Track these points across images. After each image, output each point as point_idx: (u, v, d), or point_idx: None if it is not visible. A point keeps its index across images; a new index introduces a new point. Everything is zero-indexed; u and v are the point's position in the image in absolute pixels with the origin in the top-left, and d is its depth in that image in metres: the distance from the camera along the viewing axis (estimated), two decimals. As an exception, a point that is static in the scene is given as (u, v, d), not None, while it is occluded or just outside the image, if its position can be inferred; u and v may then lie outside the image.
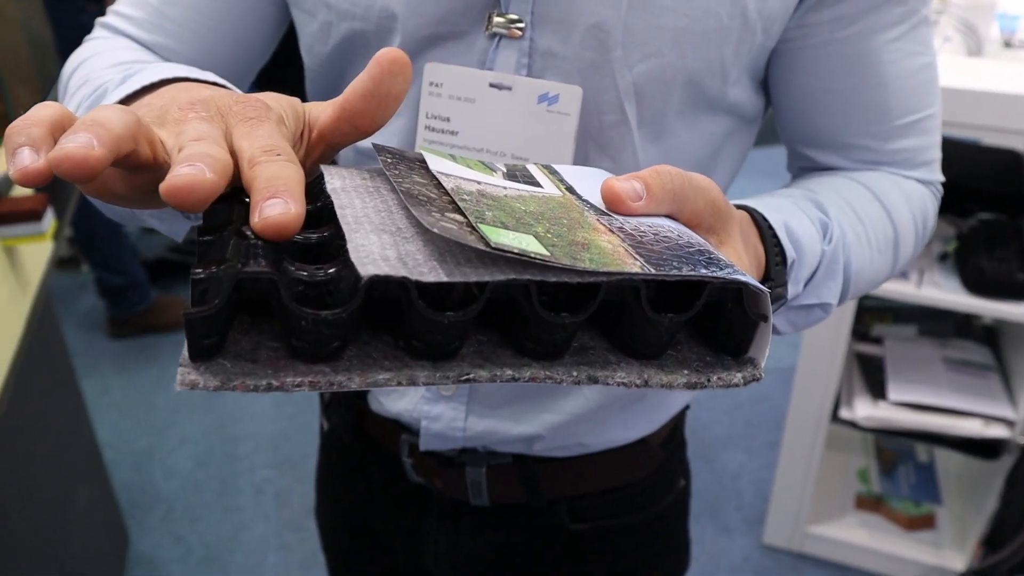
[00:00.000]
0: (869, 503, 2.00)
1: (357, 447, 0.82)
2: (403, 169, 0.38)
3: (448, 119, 0.58)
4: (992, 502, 1.74)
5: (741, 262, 0.44)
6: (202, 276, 0.30)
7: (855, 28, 0.59)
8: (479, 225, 0.33)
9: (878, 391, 1.77)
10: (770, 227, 0.51)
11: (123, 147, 0.31)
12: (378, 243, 0.32)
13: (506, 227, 0.33)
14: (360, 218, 0.34)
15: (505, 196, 0.38)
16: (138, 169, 0.34)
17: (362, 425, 0.80)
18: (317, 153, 0.40)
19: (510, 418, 0.71)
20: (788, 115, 0.65)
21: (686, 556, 0.90)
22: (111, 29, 0.66)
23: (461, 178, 0.38)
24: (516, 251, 0.31)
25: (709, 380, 0.36)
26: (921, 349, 1.87)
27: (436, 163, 0.39)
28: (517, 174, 0.42)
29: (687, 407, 0.82)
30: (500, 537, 0.79)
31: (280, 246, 0.32)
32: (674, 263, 0.34)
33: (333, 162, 0.44)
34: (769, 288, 0.50)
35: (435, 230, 0.31)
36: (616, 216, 0.39)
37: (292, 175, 0.31)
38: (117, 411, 2.47)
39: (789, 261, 0.52)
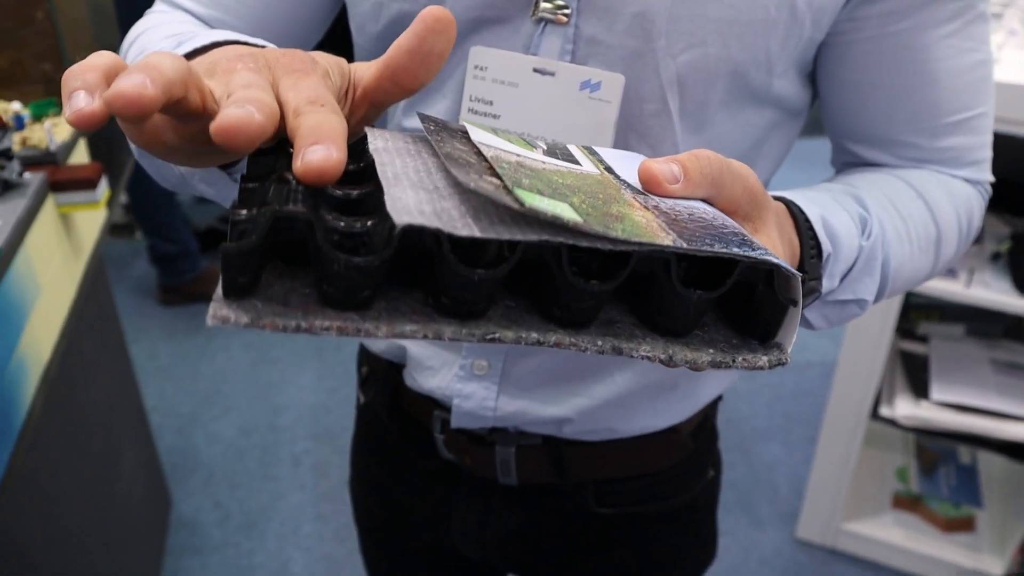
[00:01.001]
0: (907, 502, 1.98)
1: (391, 422, 0.83)
2: (445, 136, 0.39)
3: (491, 102, 0.59)
4: (1034, 508, 1.71)
5: (775, 251, 0.44)
6: (242, 217, 0.31)
7: (907, 23, 0.58)
8: (515, 189, 0.33)
9: (921, 390, 1.74)
10: (806, 220, 0.51)
11: (175, 91, 0.32)
12: (414, 198, 0.32)
13: (542, 194, 0.34)
14: (399, 175, 0.34)
15: (543, 169, 0.38)
16: (188, 117, 0.35)
17: (397, 400, 0.81)
18: (361, 112, 0.41)
19: (541, 400, 0.72)
20: (835, 109, 0.64)
21: (713, 547, 0.90)
22: (171, 3, 0.67)
23: (501, 149, 0.39)
24: (550, 215, 0.31)
25: (734, 360, 0.36)
26: (968, 349, 1.84)
27: (477, 134, 0.40)
28: (557, 152, 0.43)
29: (719, 398, 0.82)
30: (527, 517, 0.80)
31: (319, 194, 0.32)
32: (707, 240, 0.35)
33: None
34: (803, 281, 0.50)
35: (471, 186, 0.31)
36: (652, 196, 0.40)
37: (335, 124, 0.32)
38: (164, 376, 2.53)
39: (824, 255, 0.51)
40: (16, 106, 1.33)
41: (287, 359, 2.60)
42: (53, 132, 1.26)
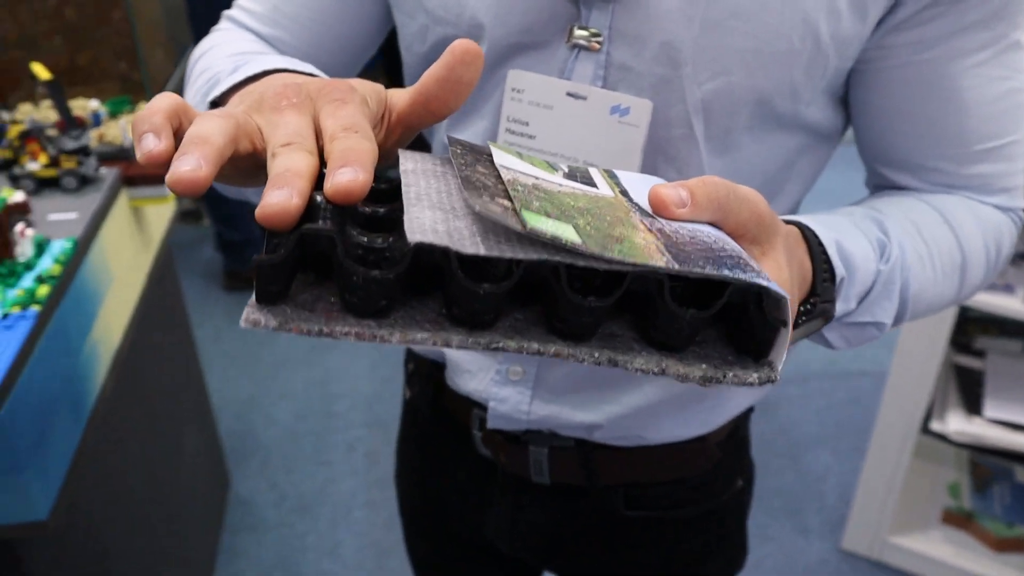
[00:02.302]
0: (957, 519, 1.95)
1: (433, 418, 0.87)
2: (469, 159, 0.42)
3: (527, 123, 0.62)
4: (1088, 530, 1.67)
5: (781, 273, 0.45)
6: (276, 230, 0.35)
7: (936, 52, 0.59)
8: (522, 211, 0.36)
9: (974, 406, 1.72)
10: (819, 243, 0.52)
11: (225, 154, 0.36)
12: (431, 217, 0.36)
13: (548, 215, 0.37)
14: (421, 196, 0.38)
15: (559, 192, 0.41)
16: (240, 159, 0.39)
17: (439, 397, 0.85)
18: (397, 134, 0.45)
19: (572, 405, 0.75)
20: (864, 133, 0.66)
21: (742, 556, 0.91)
22: (234, 22, 0.72)
23: (520, 172, 0.42)
24: (548, 236, 0.34)
25: (725, 376, 0.38)
26: (1026, 366, 1.80)
27: (501, 158, 0.43)
28: (577, 175, 0.45)
29: (751, 409, 0.84)
30: (557, 515, 0.83)
31: (347, 212, 0.36)
32: (700, 262, 0.37)
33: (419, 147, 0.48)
34: (814, 303, 0.52)
35: (477, 208, 0.35)
36: (659, 219, 0.42)
37: (364, 148, 0.35)
38: (226, 360, 2.62)
39: (838, 278, 0.53)
40: (94, 103, 1.40)
41: (344, 347, 2.67)
42: (128, 129, 1.33)
